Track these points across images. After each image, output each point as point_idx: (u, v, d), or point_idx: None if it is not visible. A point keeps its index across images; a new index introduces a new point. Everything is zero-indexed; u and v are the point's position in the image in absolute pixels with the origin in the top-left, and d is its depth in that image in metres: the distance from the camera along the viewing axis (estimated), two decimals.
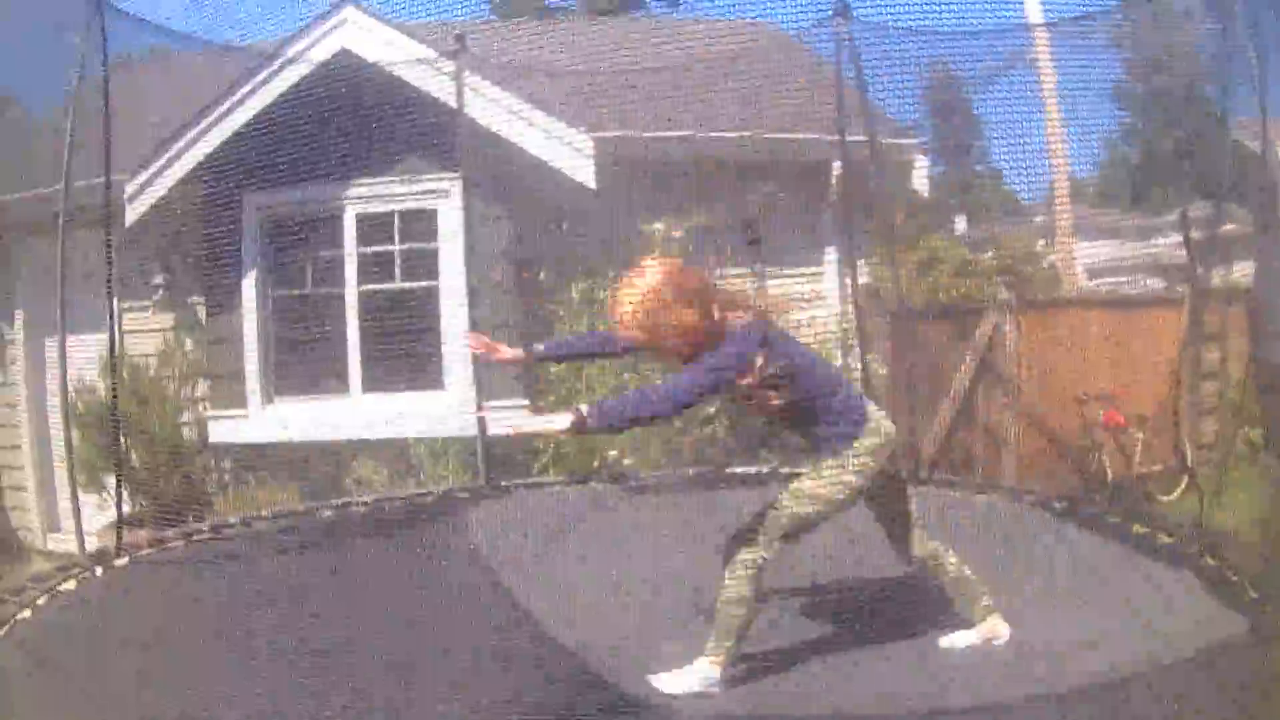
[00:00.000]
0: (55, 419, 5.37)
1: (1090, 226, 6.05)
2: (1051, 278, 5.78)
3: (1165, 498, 5.76)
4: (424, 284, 5.04)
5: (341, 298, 5.01)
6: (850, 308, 5.04)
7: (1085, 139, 5.89)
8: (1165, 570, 3.33)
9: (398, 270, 5.05)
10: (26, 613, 3.71)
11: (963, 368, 5.36)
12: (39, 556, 5.81)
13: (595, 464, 4.78)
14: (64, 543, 5.59)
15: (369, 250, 5.09)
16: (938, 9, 5.09)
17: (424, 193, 5.03)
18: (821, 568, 3.16)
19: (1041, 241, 5.81)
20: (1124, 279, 6.17)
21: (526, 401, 4.87)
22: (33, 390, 5.78)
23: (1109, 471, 5.61)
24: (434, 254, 4.99)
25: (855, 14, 5.05)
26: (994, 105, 5.70)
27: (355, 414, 4.91)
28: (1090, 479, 5.56)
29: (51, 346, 5.31)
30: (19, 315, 5.83)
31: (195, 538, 4.76)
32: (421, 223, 5.05)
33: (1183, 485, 5.70)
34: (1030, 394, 5.41)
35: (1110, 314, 5.72)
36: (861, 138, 4.95)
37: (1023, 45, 5.47)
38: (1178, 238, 6.20)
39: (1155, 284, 6.17)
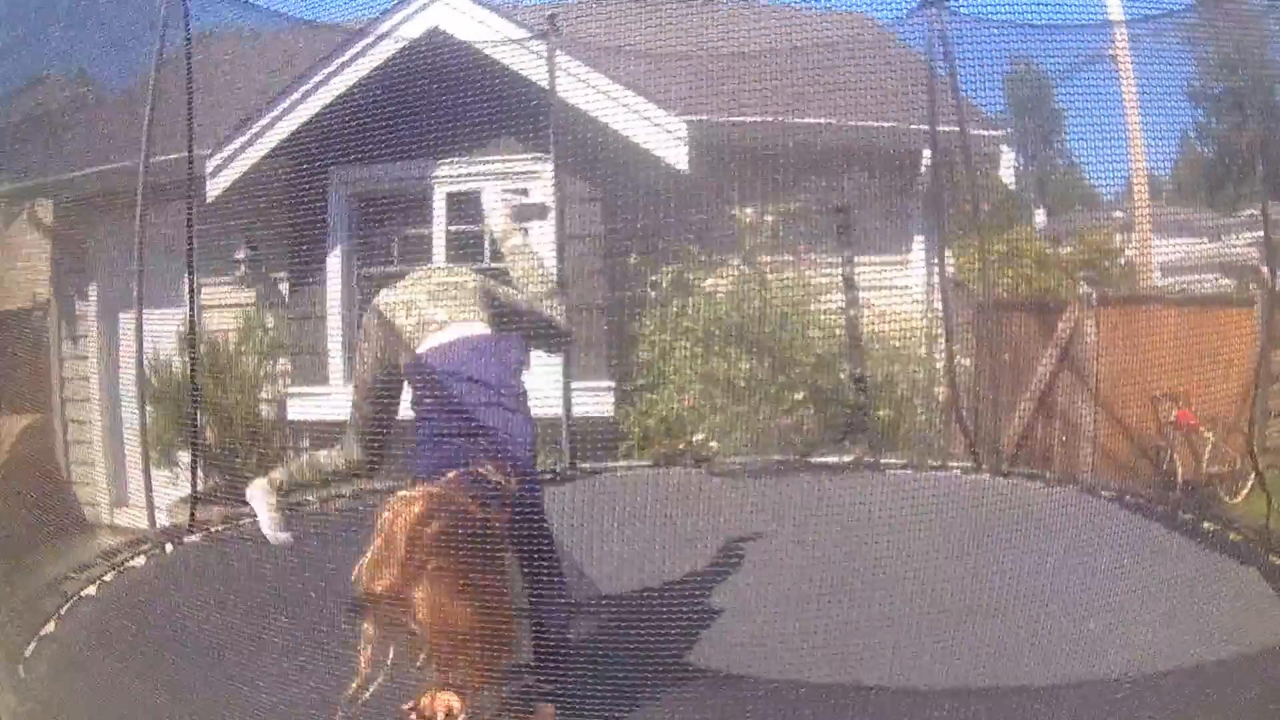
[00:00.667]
0: (127, 394, 5.36)
1: (1165, 223, 6.03)
2: (1129, 274, 5.76)
3: (1232, 499, 5.76)
4: None
5: None
6: (937, 299, 5.01)
7: (1162, 136, 5.89)
8: (1234, 568, 3.34)
9: (486, 250, 5.02)
10: (93, 589, 3.69)
11: (1044, 361, 5.34)
12: (105, 531, 5.80)
13: (680, 448, 4.76)
14: (131, 518, 5.57)
15: (458, 229, 5.06)
16: (1025, 3, 5.12)
17: (515, 173, 5.01)
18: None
19: (1119, 237, 5.80)
20: (1197, 277, 6.15)
21: (613, 384, 4.84)
22: (105, 365, 5.76)
23: (1179, 470, 5.61)
24: (523, 234, 4.94)
25: (948, 5, 5.07)
26: (1075, 100, 5.72)
27: None
28: (1162, 476, 5.56)
29: (125, 321, 5.30)
30: (93, 290, 5.81)
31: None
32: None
33: (1249, 487, 5.70)
34: (1107, 390, 5.40)
35: (1185, 312, 5.70)
36: (952, 128, 4.95)
37: (1104, 41, 5.47)
38: (1251, 237, 6.20)
39: (1228, 284, 6.15)
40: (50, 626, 3.22)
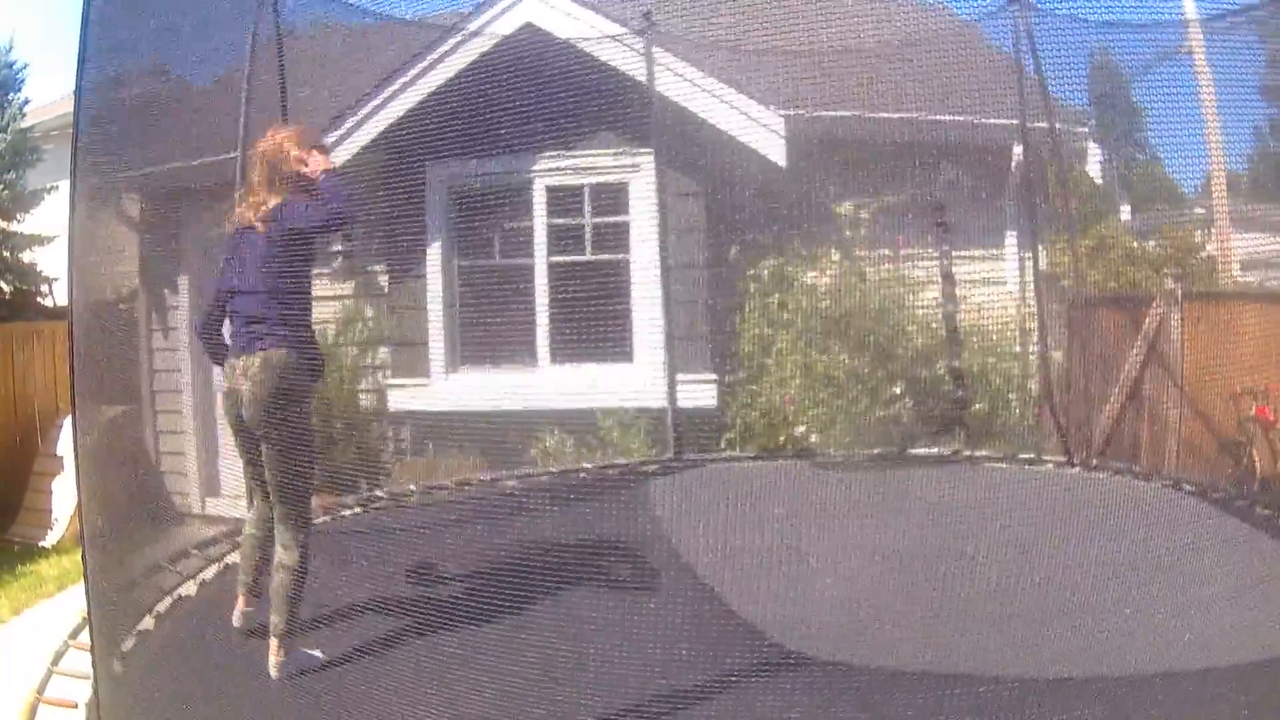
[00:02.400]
0: (219, 385, 5.40)
1: (1244, 219, 6.05)
2: (1210, 269, 5.78)
3: None
4: (614, 257, 5.07)
5: (530, 269, 5.03)
6: (1031, 293, 5.06)
7: (1239, 132, 5.92)
8: None
9: (588, 243, 5.07)
10: (191, 588, 3.70)
11: (1132, 356, 5.38)
12: (195, 521, 5.85)
13: (782, 439, 4.81)
14: (222, 508, 5.62)
15: (559, 222, 5.12)
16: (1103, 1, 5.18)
17: (615, 167, 5.06)
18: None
19: (1200, 232, 5.82)
20: (1276, 273, 6.17)
21: (715, 376, 4.89)
22: (196, 356, 5.80)
23: (1258, 465, 5.63)
24: (625, 227, 5.01)
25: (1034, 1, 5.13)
26: (1154, 96, 5.74)
27: (542, 385, 4.93)
28: (1242, 472, 5.58)
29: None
30: (183, 281, 5.86)
31: (373, 505, 4.79)
32: (612, 196, 5.07)
33: None
34: (1191, 385, 5.43)
35: (1267, 308, 5.72)
36: (1041, 124, 5.00)
37: (1182, 39, 5.50)
38: None
39: None
40: (149, 623, 3.25)
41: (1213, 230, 6.03)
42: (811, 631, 2.85)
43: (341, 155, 5.25)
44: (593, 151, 5.08)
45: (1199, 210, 5.92)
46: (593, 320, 4.81)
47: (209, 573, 3.81)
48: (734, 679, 2.54)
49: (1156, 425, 5.43)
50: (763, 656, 2.69)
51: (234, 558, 3.90)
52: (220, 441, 5.64)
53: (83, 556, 3.02)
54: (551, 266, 5.08)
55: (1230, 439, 5.59)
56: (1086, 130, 5.47)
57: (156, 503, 5.40)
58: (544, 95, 4.92)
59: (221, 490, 5.66)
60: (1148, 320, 5.39)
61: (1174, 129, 5.52)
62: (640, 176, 4.99)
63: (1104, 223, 5.52)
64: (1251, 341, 5.58)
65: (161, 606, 3.43)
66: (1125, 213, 5.75)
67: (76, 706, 2.94)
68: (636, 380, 4.82)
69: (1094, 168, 5.52)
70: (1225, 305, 5.67)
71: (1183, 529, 3.96)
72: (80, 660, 3.16)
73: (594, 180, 5.07)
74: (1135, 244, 5.56)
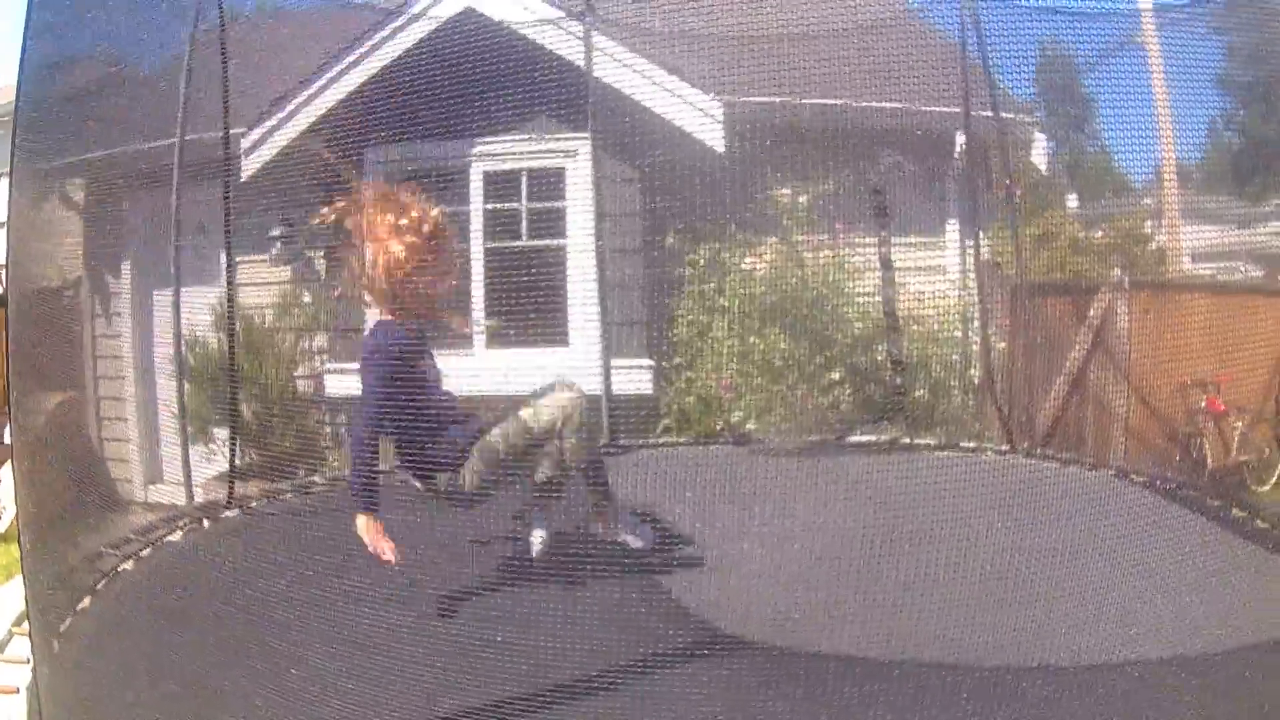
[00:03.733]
0: (162, 371, 5.38)
1: (1195, 211, 6.04)
2: (1159, 260, 5.78)
3: (1259, 488, 5.78)
4: (551, 243, 5.04)
5: (466, 254, 5.01)
6: (971, 281, 5.04)
7: (1191, 124, 5.91)
8: (1262, 555, 3.37)
9: (524, 229, 5.05)
10: (129, 564, 3.70)
11: (1077, 345, 5.36)
12: (139, 508, 5.82)
13: (719, 426, 4.78)
14: (165, 494, 5.59)
15: (495, 208, 5.09)
16: None
17: (552, 152, 5.03)
18: None
19: (1149, 223, 5.81)
20: (1226, 265, 6.16)
21: (651, 362, 4.87)
22: (138, 342, 5.77)
23: (1209, 457, 5.63)
24: (561, 213, 4.99)
25: None
26: (1105, 86, 5.73)
27: (477, 369, 4.89)
28: (1191, 463, 5.57)
29: (159, 299, 5.32)
30: (126, 267, 5.82)
31: (309, 490, 4.76)
32: (549, 182, 5.04)
33: (1276, 477, 5.73)
34: (1138, 375, 5.42)
35: (1215, 300, 5.72)
36: (985, 113, 4.99)
37: (1133, 29, 5.49)
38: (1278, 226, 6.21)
39: (1256, 272, 6.16)
40: (86, 602, 3.24)
41: (1162, 221, 6.02)
42: (747, 616, 2.83)
43: (280, 142, 5.23)
44: (530, 137, 5.06)
45: (1148, 201, 5.91)
46: (529, 306, 4.78)
47: (146, 551, 3.81)
48: (667, 664, 2.52)
49: (1103, 415, 5.42)
50: (696, 640, 2.68)
51: (173, 537, 3.92)
52: (161, 428, 5.61)
53: (19, 540, 3.03)
54: (488, 252, 5.05)
55: (1180, 429, 5.58)
56: (1033, 119, 5.46)
57: (98, 489, 5.39)
58: (482, 80, 4.89)
59: (164, 477, 5.62)
60: (1093, 309, 5.39)
61: (1125, 120, 5.51)
62: (577, 162, 4.96)
63: (1050, 212, 5.51)
64: (1201, 333, 5.57)
65: (100, 585, 3.42)
66: (1073, 202, 5.74)
67: (18, 691, 2.93)
68: (572, 366, 4.80)
69: (1041, 157, 5.50)
70: (1174, 296, 5.67)
71: (1129, 518, 3.94)
72: (25, 646, 3.16)
73: (531, 166, 5.04)
74: (1082, 233, 5.55)
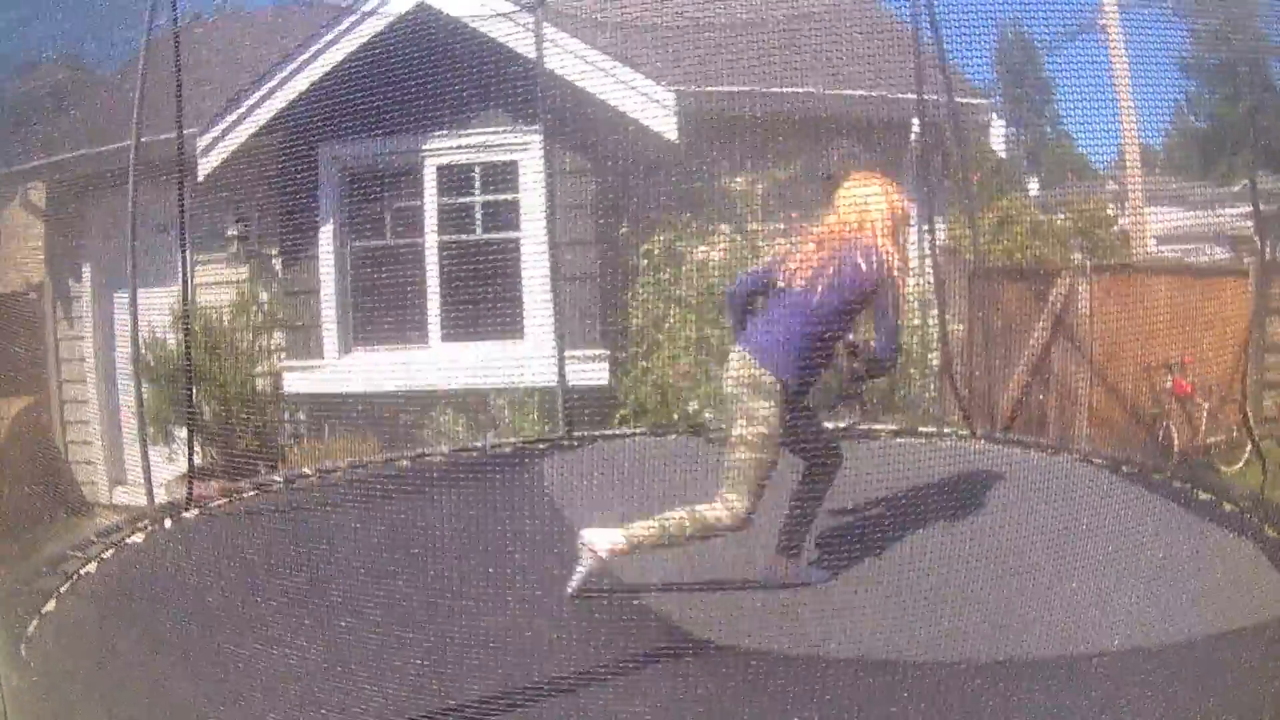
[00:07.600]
0: (123, 372, 5.37)
1: (1159, 194, 6.03)
2: (1123, 243, 5.76)
3: (1228, 469, 5.75)
4: (505, 235, 5.04)
5: (421, 248, 5.01)
6: (929, 265, 5.01)
7: (1154, 107, 5.89)
8: (1229, 537, 3.32)
9: (478, 222, 5.05)
10: (92, 566, 3.68)
11: (1037, 329, 5.35)
12: (104, 510, 5.81)
13: (674, 415, 4.77)
14: (129, 496, 5.59)
15: (449, 201, 5.09)
16: None
17: (505, 145, 5.03)
18: None
19: (1112, 206, 5.80)
20: (1191, 247, 6.15)
21: (607, 352, 4.86)
22: (99, 344, 5.78)
23: (1175, 439, 5.60)
24: (515, 205, 4.99)
25: None
26: (1066, 70, 5.72)
27: (434, 364, 4.90)
28: (1158, 445, 5.55)
29: (119, 300, 5.32)
30: (86, 270, 5.83)
31: (268, 489, 4.75)
32: (503, 175, 5.04)
33: (1245, 457, 5.70)
34: (1101, 358, 5.40)
35: (1180, 281, 5.70)
36: (939, 97, 4.96)
37: (1094, 10, 5.48)
38: (1244, 209, 6.20)
39: (1222, 254, 6.15)
40: (51, 605, 3.22)
41: (1125, 204, 6.01)
42: (705, 608, 2.82)
43: (238, 138, 5.24)
44: (483, 130, 5.05)
45: (1111, 185, 5.90)
46: (483, 298, 4.78)
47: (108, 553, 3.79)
48: (626, 660, 2.50)
49: (1065, 399, 5.40)
50: (653, 636, 2.66)
51: (136, 538, 3.90)
52: (123, 431, 5.61)
53: None
54: (442, 245, 5.05)
55: (1145, 412, 5.56)
56: (990, 103, 5.45)
57: (62, 491, 5.39)
58: (435, 75, 4.89)
59: (128, 479, 5.63)
60: (1053, 293, 5.37)
61: (1086, 103, 5.49)
62: (530, 155, 4.96)
63: (1009, 196, 5.49)
64: (1164, 315, 5.55)
65: (64, 588, 3.40)
66: (1033, 187, 5.73)
67: None
68: (527, 358, 4.79)
69: (999, 141, 5.49)
70: (1136, 279, 5.65)
71: (1091, 502, 3.90)
72: None
73: (484, 159, 5.04)
74: (1043, 217, 5.54)
